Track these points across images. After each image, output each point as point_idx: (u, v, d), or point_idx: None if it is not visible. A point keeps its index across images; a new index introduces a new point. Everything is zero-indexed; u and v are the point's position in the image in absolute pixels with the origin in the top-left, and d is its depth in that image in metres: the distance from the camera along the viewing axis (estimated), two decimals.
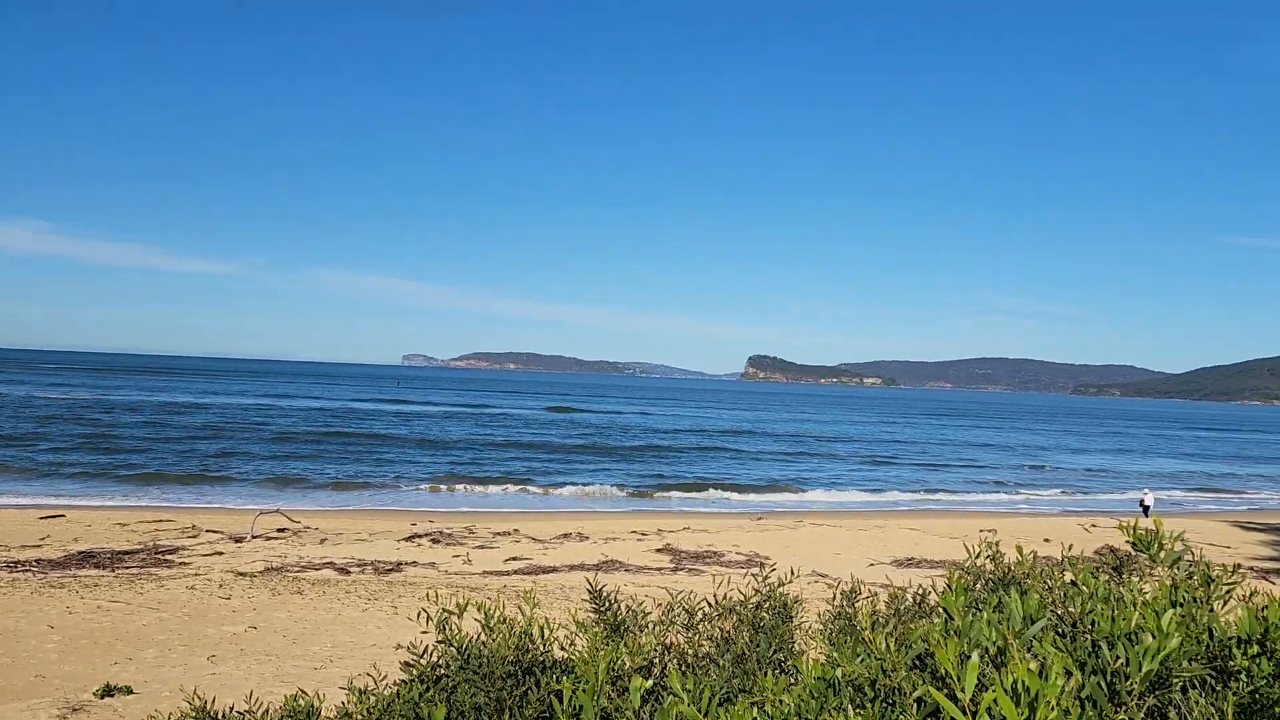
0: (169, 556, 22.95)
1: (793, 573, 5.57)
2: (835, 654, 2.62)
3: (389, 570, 22.11)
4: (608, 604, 4.41)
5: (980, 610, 2.60)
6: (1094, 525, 34.77)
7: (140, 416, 75.12)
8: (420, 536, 27.26)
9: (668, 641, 4.41)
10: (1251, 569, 23.02)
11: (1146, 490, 44.35)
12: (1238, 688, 2.54)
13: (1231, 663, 2.60)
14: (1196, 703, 2.49)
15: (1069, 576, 3.39)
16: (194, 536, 26.37)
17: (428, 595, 4.40)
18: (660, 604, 4.61)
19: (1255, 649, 2.54)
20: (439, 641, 3.78)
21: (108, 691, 11.44)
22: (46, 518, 28.73)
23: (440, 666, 3.74)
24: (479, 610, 3.84)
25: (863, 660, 2.64)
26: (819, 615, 4.65)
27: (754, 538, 29.33)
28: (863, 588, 5.01)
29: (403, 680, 3.69)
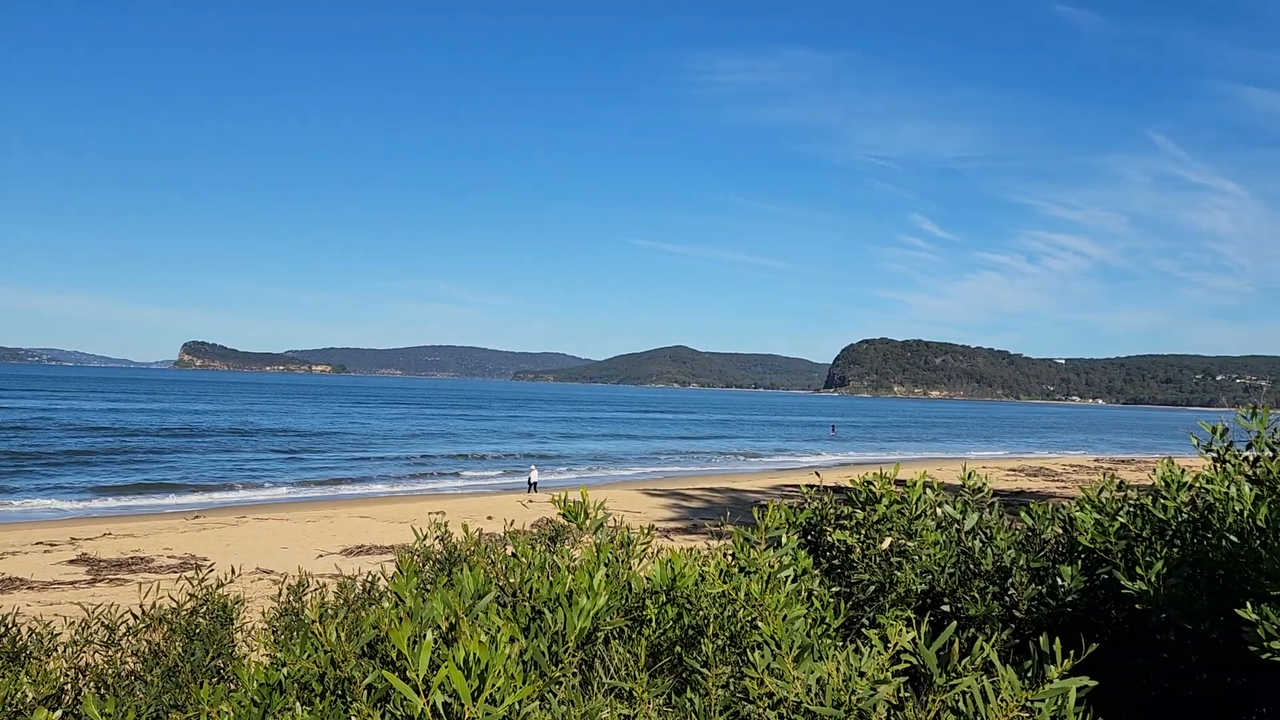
0: None
1: (234, 571, 5.21)
2: (280, 653, 2.49)
3: None
4: (3, 629, 3.75)
5: (431, 590, 2.65)
6: (531, 501, 37.72)
7: None
8: None
9: (83, 664, 3.87)
10: (657, 529, 26.71)
11: (533, 467, 49.55)
12: (649, 633, 2.90)
13: (645, 612, 2.95)
14: (616, 651, 2.79)
15: (510, 549, 3.60)
16: None
17: None
18: (74, 622, 4.03)
19: (663, 598, 2.92)
20: None
21: None
22: None
23: None
24: None
25: (310, 655, 2.54)
26: (264, 614, 4.41)
27: (190, 538, 27.09)
28: (311, 580, 4.86)
29: None
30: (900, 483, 4.01)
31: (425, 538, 4.57)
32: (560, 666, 2.51)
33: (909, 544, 3.74)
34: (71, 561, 23.04)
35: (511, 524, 4.52)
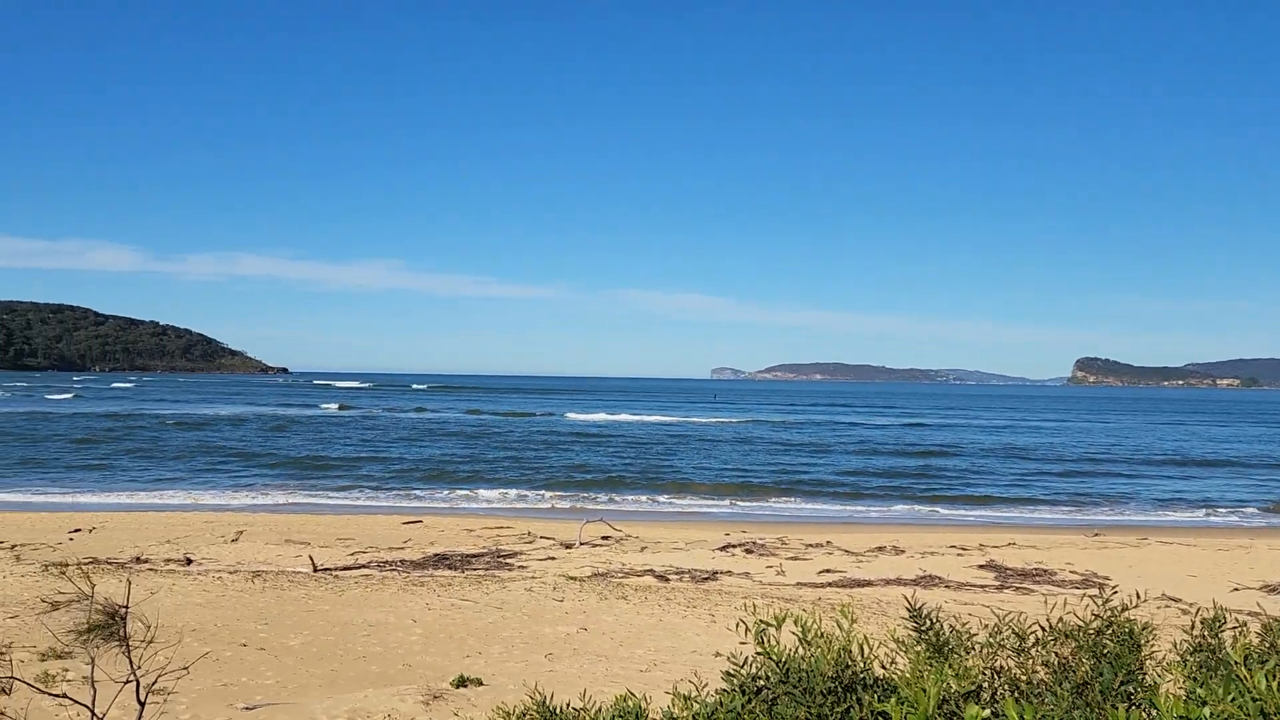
0: (509, 560, 24.91)
1: (1139, 596, 5.04)
2: (1201, 691, 2.33)
3: (705, 579, 22.60)
4: (929, 622, 4.20)
5: None
6: None
7: (496, 432, 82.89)
8: (734, 546, 27.65)
9: (996, 666, 4.14)
10: None
11: None
12: None
13: None
14: None
15: None
16: (530, 542, 28.43)
17: (745, 606, 4.44)
18: (986, 625, 4.34)
19: None
20: (758, 653, 3.77)
21: (462, 682, 12.55)
22: (408, 523, 32.30)
23: (760, 678, 3.73)
24: (796, 623, 3.80)
25: (1235, 700, 2.33)
26: (1174, 645, 4.17)
27: (1090, 555, 27.02)
28: (1228, 616, 4.44)
29: (724, 689, 3.73)
30: None
31: None
32: None
33: None
34: (980, 566, 24.88)
35: None
